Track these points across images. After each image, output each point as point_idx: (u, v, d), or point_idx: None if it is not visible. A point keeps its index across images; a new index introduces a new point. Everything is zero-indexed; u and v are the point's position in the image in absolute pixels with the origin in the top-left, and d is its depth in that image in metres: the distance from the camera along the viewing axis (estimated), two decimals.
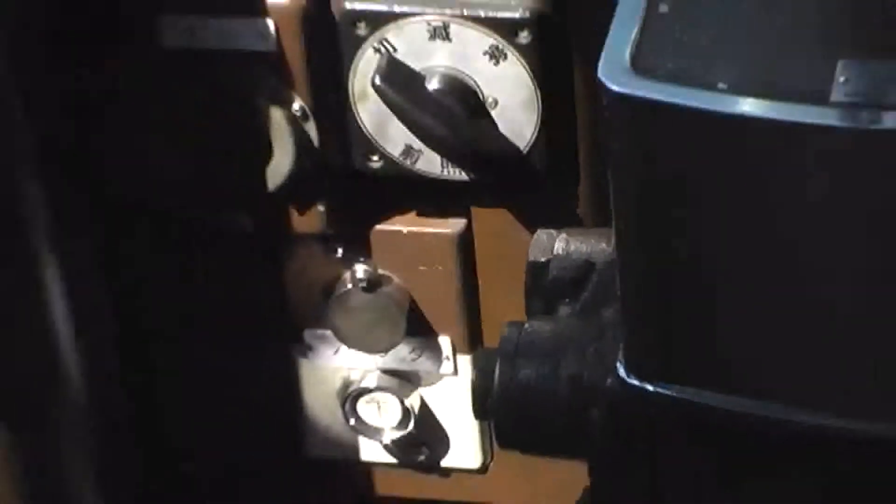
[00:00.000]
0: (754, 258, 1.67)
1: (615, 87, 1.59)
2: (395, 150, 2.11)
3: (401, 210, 2.20)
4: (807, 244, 1.64)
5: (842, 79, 1.57)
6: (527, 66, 2.03)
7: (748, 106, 1.57)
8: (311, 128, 2.12)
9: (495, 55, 2.05)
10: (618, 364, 1.76)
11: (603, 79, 1.60)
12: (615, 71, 1.61)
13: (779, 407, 1.74)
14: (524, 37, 2.02)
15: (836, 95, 1.56)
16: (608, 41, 1.65)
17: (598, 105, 1.67)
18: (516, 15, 2.02)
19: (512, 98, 2.06)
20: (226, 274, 2.30)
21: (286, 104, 2.11)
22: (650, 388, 1.75)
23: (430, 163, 2.11)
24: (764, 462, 1.84)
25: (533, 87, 2.05)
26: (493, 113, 2.06)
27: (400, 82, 2.05)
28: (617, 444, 1.87)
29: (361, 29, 2.05)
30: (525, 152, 2.07)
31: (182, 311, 2.36)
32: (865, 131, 1.55)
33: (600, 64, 1.62)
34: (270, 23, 2.06)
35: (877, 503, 1.83)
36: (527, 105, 2.06)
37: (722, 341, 1.72)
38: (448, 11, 2.04)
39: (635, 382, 1.75)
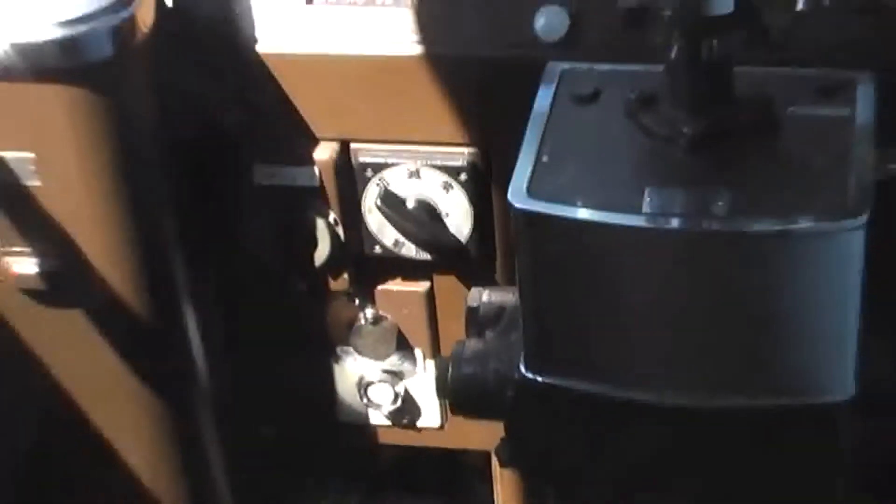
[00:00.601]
0: (600, 299, 1.94)
1: (518, 205, 1.88)
2: (388, 243, 2.38)
3: (393, 277, 2.47)
4: (633, 289, 1.91)
5: (648, 199, 1.86)
6: (465, 194, 2.31)
7: (594, 216, 1.85)
8: (339, 230, 2.38)
9: (446, 187, 2.31)
10: (520, 363, 2.03)
11: (511, 200, 1.89)
12: (517, 195, 1.89)
13: (621, 389, 1.97)
14: (463, 177, 2.29)
15: (645, 208, 1.85)
16: (513, 178, 1.91)
17: (508, 216, 1.94)
18: (459, 164, 2.29)
19: (457, 212, 2.33)
20: (292, 313, 2.53)
21: (325, 215, 2.37)
22: (539, 378, 2.02)
23: (410, 250, 2.37)
24: (615, 426, 2.04)
25: (469, 206, 2.32)
26: (446, 221, 2.33)
27: (391, 204, 2.32)
28: (521, 412, 2.10)
29: (369, 172, 2.32)
30: (465, 243, 2.35)
31: (266, 335, 2.56)
32: (662, 229, 1.85)
33: (509, 191, 1.90)
34: (316, 169, 2.32)
35: (694, 453, 2.04)
36: (465, 216, 2.33)
37: (580, 350, 1.98)
38: (419, 162, 2.30)
39: (530, 375, 2.02)
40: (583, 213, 1.87)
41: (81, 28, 2.06)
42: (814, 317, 1.89)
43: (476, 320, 2.24)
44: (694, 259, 1.89)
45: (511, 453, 2.19)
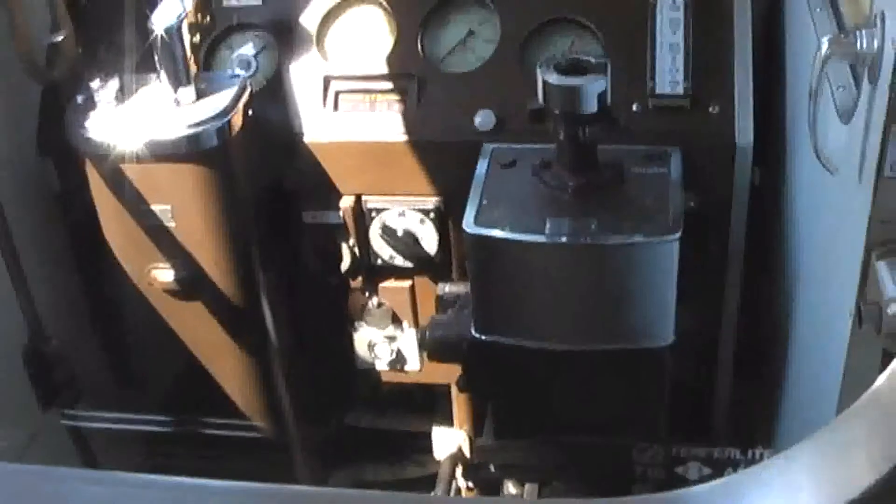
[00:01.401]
0: (519, 286, 2.00)
1: (469, 230, 1.96)
2: (385, 257, 2.35)
3: (389, 278, 2.43)
4: (539, 280, 1.98)
5: (548, 225, 1.95)
6: (434, 226, 2.31)
7: (516, 236, 1.94)
8: (356, 249, 2.36)
9: (422, 221, 2.30)
10: (471, 328, 2.08)
11: (465, 227, 1.97)
12: (469, 224, 1.97)
13: (532, 341, 2.02)
14: (432, 216, 2.30)
15: (546, 231, 1.94)
16: (465, 214, 1.98)
17: (461, 238, 2.00)
18: (430, 207, 2.29)
19: (428, 237, 2.32)
20: (328, 300, 2.47)
21: (347, 241, 2.35)
22: (483, 337, 2.07)
23: (399, 261, 2.36)
24: (528, 366, 2.07)
25: (436, 233, 2.31)
26: (422, 243, 2.33)
27: (387, 233, 2.33)
28: (472, 359, 2.13)
29: (373, 213, 2.32)
30: (433, 256, 2.34)
31: (313, 314, 2.51)
32: (557, 243, 1.93)
33: (463, 222, 1.97)
34: (341, 213, 2.32)
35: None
36: (433, 240, 2.32)
37: (508, 318, 2.03)
38: (405, 207, 2.29)
39: (478, 335, 2.07)
40: (508, 234, 1.95)
41: (200, 128, 2.11)
42: (647, 293, 1.97)
43: (443, 303, 2.28)
44: (576, 261, 1.98)
45: (465, 384, 2.23)
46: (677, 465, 2.06)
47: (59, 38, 2.31)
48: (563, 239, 1.93)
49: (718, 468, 2.03)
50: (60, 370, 2.39)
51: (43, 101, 2.43)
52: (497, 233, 1.95)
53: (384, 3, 2.35)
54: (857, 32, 1.31)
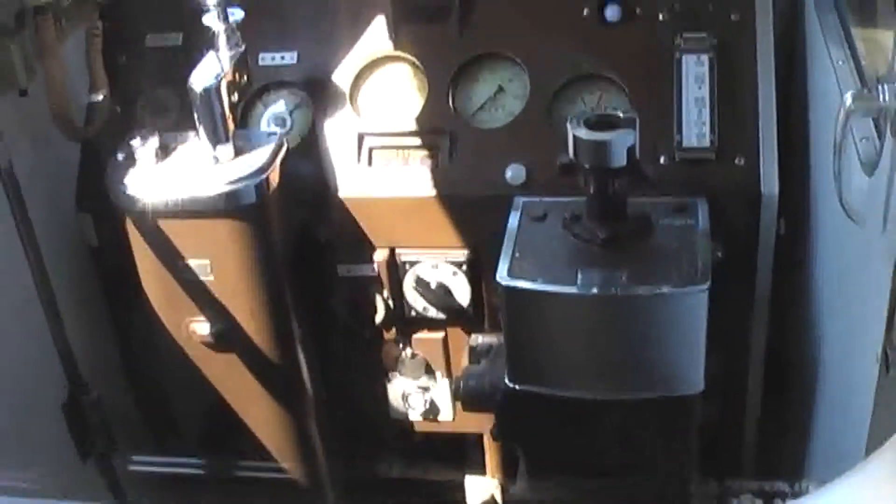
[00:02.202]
0: (552, 336, 2.02)
1: (503, 282, 1.99)
2: (419, 308, 2.38)
3: (422, 329, 2.44)
4: (571, 329, 2.01)
5: (580, 276, 1.97)
6: (466, 278, 2.33)
7: (548, 287, 1.96)
8: (390, 301, 2.38)
9: (455, 274, 2.33)
10: (505, 377, 2.09)
11: (499, 279, 1.99)
12: (503, 276, 1.99)
13: (565, 389, 2.04)
14: (464, 268, 2.33)
15: (577, 282, 1.96)
16: (499, 266, 2.00)
17: (493, 290, 2.07)
18: (462, 259, 2.31)
19: (460, 289, 2.34)
20: (363, 352, 2.48)
21: (381, 293, 2.38)
22: (517, 386, 2.08)
23: (432, 312, 2.38)
24: (563, 415, 2.09)
25: (468, 285, 2.33)
26: (455, 295, 2.35)
27: (421, 285, 2.35)
28: (506, 408, 2.14)
29: (407, 266, 2.34)
30: (465, 308, 2.36)
31: (347, 365, 2.51)
32: (588, 295, 1.95)
33: (497, 274, 1.99)
34: (376, 266, 2.34)
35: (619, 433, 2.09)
36: (465, 292, 2.34)
37: (542, 367, 2.06)
38: (438, 259, 2.31)
39: (511, 384, 2.09)
40: (541, 286, 1.98)
41: (239, 185, 2.14)
42: (677, 342, 1.99)
43: (475, 353, 2.32)
44: (607, 312, 2.00)
45: (499, 432, 2.24)
46: (730, 497, 2.10)
47: (99, 98, 2.37)
48: (595, 290, 1.96)
49: (768, 500, 2.05)
50: (98, 420, 2.41)
51: (82, 157, 2.47)
52: (530, 285, 1.98)
53: (415, 60, 2.39)
54: (880, 87, 1.35)
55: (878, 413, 1.44)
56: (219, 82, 2.14)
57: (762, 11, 2.27)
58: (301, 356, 2.37)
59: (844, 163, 1.55)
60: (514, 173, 2.26)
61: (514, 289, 1.99)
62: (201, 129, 2.17)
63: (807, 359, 2.19)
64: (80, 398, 2.38)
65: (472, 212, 2.29)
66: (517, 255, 2.05)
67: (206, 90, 2.12)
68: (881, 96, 1.34)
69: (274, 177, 2.19)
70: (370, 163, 2.36)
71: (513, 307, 2.04)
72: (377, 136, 2.36)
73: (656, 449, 2.12)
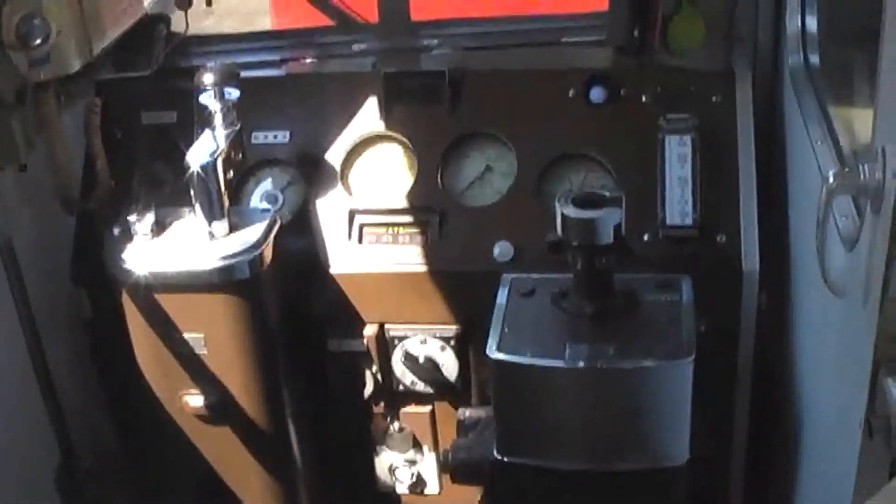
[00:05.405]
0: (540, 409, 2.03)
1: (493, 356, 2.00)
2: (407, 382, 2.39)
3: (410, 403, 2.47)
4: (559, 402, 2.01)
5: (568, 350, 1.99)
6: (454, 353, 2.36)
7: (537, 361, 1.98)
8: (379, 376, 2.40)
9: (443, 349, 2.36)
10: (493, 450, 2.09)
11: (489, 353, 2.00)
12: (492, 350, 2.01)
13: (553, 461, 2.04)
14: (453, 343, 2.35)
15: (567, 356, 1.98)
16: (489, 341, 2.02)
17: (482, 364, 2.10)
18: (450, 335, 2.35)
19: (449, 364, 2.36)
20: (351, 426, 2.48)
21: (370, 368, 2.39)
22: (505, 458, 2.08)
23: (420, 387, 2.41)
24: (549, 487, 2.08)
25: (456, 360, 2.35)
26: (442, 369, 2.38)
27: (409, 360, 2.38)
28: (494, 480, 2.14)
29: (396, 341, 2.36)
30: (453, 382, 2.37)
31: (335, 438, 2.49)
32: (576, 368, 1.96)
33: (487, 348, 2.00)
34: (365, 341, 2.35)
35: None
36: (454, 366, 2.36)
37: (530, 440, 2.07)
38: (426, 334, 2.34)
39: (499, 456, 2.09)
40: (530, 360, 2.01)
41: (233, 261, 2.18)
42: (663, 414, 2.02)
43: (463, 427, 2.33)
44: (594, 384, 2.03)
45: None
46: None
47: (96, 172, 2.40)
48: (582, 364, 1.98)
49: None
50: (91, 490, 2.42)
51: (77, 231, 2.49)
52: (519, 358, 2.00)
53: (405, 140, 2.43)
54: (861, 166, 1.37)
55: (862, 477, 1.47)
56: (215, 160, 2.17)
57: (742, 93, 2.32)
58: (291, 429, 2.38)
59: (825, 238, 1.59)
60: (501, 250, 2.30)
61: (504, 362, 2.01)
62: (197, 205, 2.20)
63: (791, 426, 2.22)
64: (74, 469, 2.39)
65: (461, 288, 2.32)
66: (506, 329, 2.07)
67: (203, 167, 2.16)
68: (862, 174, 1.37)
69: (267, 253, 2.22)
70: (360, 239, 2.39)
71: (502, 380, 2.06)
72: (368, 213, 2.40)
73: None
